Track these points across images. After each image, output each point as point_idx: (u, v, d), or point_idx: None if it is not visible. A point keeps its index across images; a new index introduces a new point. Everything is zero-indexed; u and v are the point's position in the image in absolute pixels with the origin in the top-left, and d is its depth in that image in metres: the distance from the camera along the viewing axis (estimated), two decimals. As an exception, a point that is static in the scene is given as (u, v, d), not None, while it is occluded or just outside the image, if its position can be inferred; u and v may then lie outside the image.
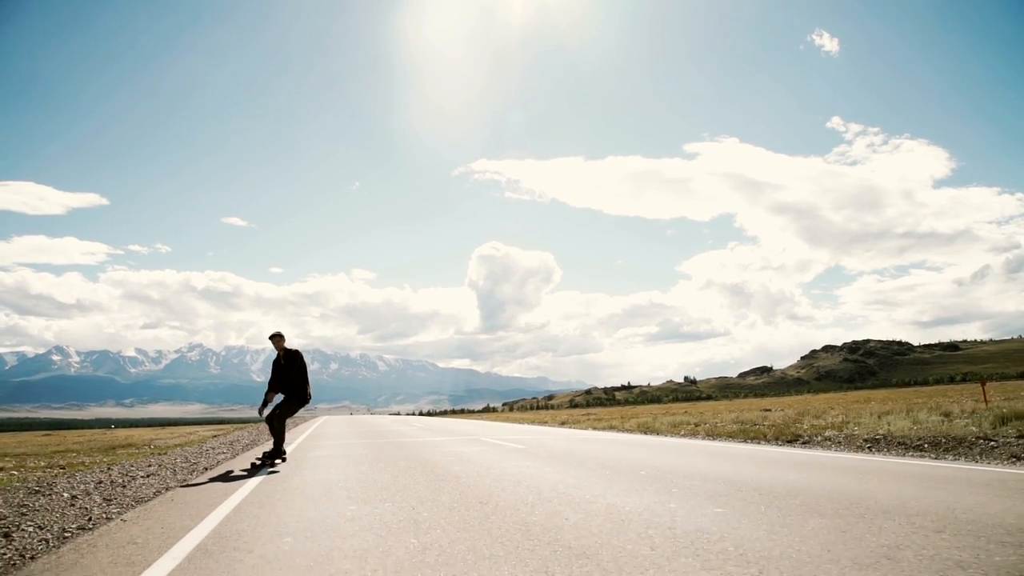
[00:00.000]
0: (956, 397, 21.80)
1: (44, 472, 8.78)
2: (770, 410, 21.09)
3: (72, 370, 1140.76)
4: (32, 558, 3.64)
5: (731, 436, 11.26)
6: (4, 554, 3.68)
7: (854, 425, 10.49)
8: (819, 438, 9.45)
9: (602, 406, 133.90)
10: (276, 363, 8.41)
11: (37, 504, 5.38)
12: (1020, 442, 7.14)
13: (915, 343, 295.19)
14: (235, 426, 34.19)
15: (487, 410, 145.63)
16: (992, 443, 7.30)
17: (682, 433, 12.91)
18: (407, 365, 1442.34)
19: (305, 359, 8.53)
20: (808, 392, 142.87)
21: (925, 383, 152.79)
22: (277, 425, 8.19)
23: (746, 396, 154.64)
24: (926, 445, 7.78)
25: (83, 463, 10.23)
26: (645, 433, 13.89)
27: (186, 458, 10.32)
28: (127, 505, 5.45)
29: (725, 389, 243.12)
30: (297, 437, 16.41)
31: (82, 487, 6.49)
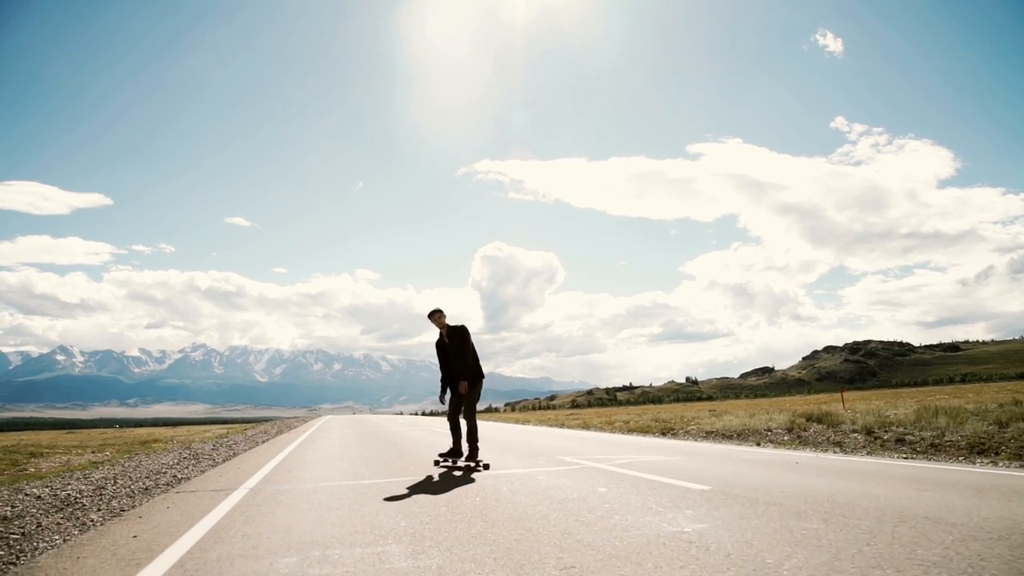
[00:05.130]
0: (853, 401, 24.74)
1: (131, 454, 11.78)
2: (715, 411, 23.16)
3: (76, 370, 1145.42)
4: (233, 456, 10.00)
5: (620, 430, 14.73)
6: (219, 459, 9.10)
7: (712, 422, 13.58)
8: (682, 431, 12.42)
9: (603, 406, 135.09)
10: (440, 344, 7.32)
11: (197, 449, 11.27)
12: (781, 432, 10.26)
13: (918, 344, 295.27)
14: (245, 426, 35.60)
15: (489, 410, 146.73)
16: (770, 433, 10.30)
17: (607, 429, 15.94)
18: (410, 365, 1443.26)
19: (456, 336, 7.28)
20: (807, 393, 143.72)
21: (925, 384, 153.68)
22: (471, 420, 7.28)
23: (747, 397, 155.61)
24: (734, 435, 10.71)
25: (146, 452, 11.97)
26: (584, 429, 16.92)
27: (246, 439, 15.59)
28: (250, 447, 12.11)
29: (726, 390, 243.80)
30: (309, 429, 21.51)
31: (210, 444, 12.94)
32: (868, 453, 7.44)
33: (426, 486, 5.68)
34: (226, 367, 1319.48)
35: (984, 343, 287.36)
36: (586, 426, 17.84)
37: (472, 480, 6.03)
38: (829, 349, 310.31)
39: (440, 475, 6.52)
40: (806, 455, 7.52)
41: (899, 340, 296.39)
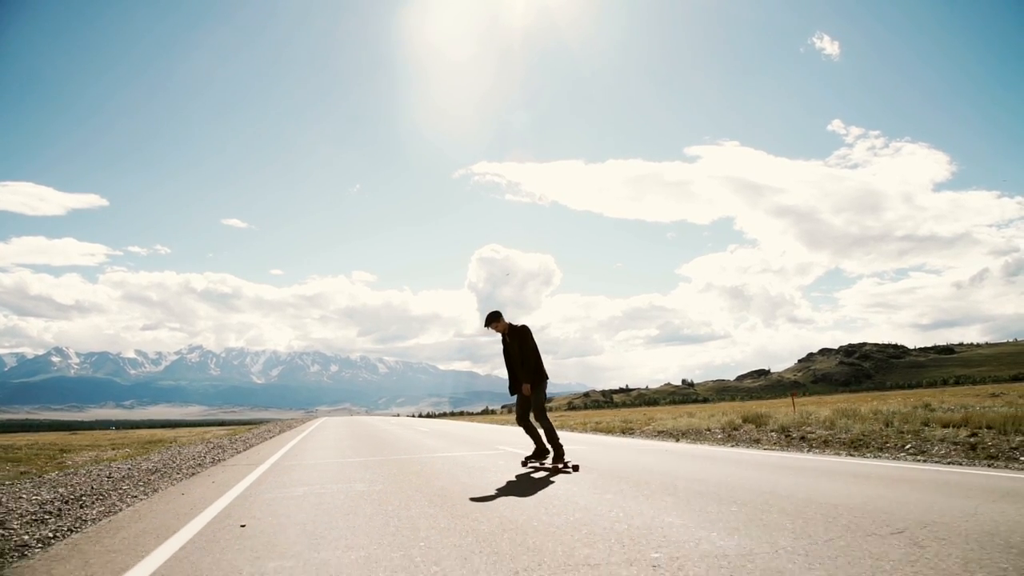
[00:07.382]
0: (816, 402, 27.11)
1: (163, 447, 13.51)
2: (680, 414, 24.37)
3: (72, 371, 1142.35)
4: (249, 447, 12.95)
5: (589, 430, 16.36)
6: (239, 449, 12.44)
7: (667, 424, 14.90)
8: (639, 431, 13.83)
9: (598, 408, 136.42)
10: (504, 344, 7.32)
11: (217, 443, 14.68)
12: (717, 430, 11.58)
13: (912, 346, 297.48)
14: (249, 427, 36.86)
15: (486, 412, 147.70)
16: (709, 432, 11.72)
17: (577, 429, 17.45)
18: (407, 367, 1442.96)
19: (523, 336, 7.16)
20: (800, 395, 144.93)
21: (919, 386, 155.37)
22: (543, 422, 6.99)
23: (742, 399, 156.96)
24: (679, 434, 12.12)
25: (177, 445, 13.51)
26: (558, 430, 18.40)
27: (254, 435, 17.73)
28: (260, 441, 15.12)
29: (722, 392, 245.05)
30: (307, 428, 24.65)
31: (227, 440, 16.22)
32: (750, 445, 9.00)
33: (391, 461, 8.40)
34: (222, 369, 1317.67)
35: (979, 345, 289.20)
36: (561, 427, 19.14)
37: (428, 461, 8.17)
38: (824, 351, 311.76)
39: (410, 457, 8.72)
40: (688, 447, 9.46)
41: (894, 343, 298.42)
